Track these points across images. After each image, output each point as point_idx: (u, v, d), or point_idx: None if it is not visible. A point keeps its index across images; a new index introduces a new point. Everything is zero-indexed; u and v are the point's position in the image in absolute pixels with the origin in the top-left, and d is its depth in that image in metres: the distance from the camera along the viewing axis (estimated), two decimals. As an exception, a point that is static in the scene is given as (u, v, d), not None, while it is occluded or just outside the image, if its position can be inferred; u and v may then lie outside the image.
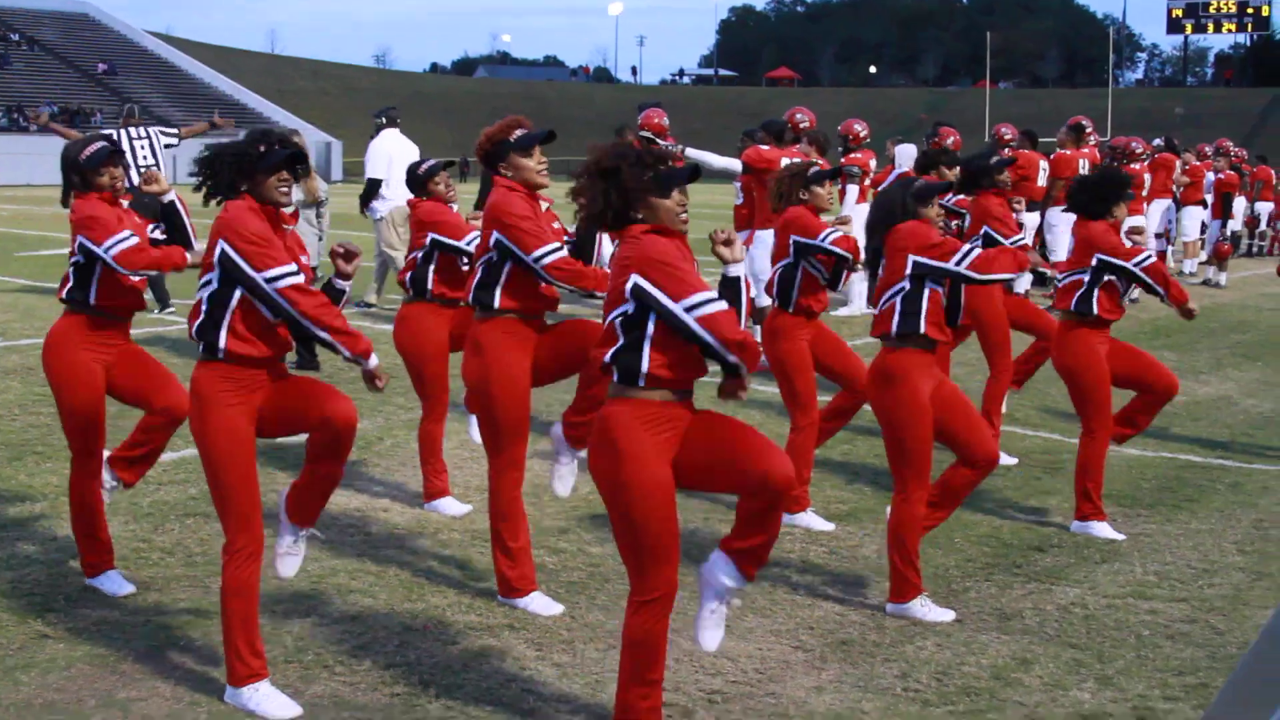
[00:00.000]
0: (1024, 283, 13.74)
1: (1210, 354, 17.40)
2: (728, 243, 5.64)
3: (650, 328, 5.45)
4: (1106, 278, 9.07)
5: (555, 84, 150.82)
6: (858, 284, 18.84)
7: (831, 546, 8.76)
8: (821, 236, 9.03)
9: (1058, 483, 10.45)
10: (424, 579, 7.92)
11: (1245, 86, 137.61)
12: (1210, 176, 27.54)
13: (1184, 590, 8.08)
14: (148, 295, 9.12)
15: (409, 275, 9.24)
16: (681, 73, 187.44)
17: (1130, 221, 14.64)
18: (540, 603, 7.45)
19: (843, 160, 17.40)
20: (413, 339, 9.27)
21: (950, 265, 7.49)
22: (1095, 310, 9.07)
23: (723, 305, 5.39)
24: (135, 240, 7.34)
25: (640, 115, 15.72)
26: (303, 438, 6.24)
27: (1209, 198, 27.48)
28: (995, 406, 11.20)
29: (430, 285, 9.17)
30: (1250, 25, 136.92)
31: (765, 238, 14.60)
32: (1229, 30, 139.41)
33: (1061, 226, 20.24)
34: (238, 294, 6.05)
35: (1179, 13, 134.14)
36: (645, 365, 5.45)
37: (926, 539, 7.87)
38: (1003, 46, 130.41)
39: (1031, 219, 19.16)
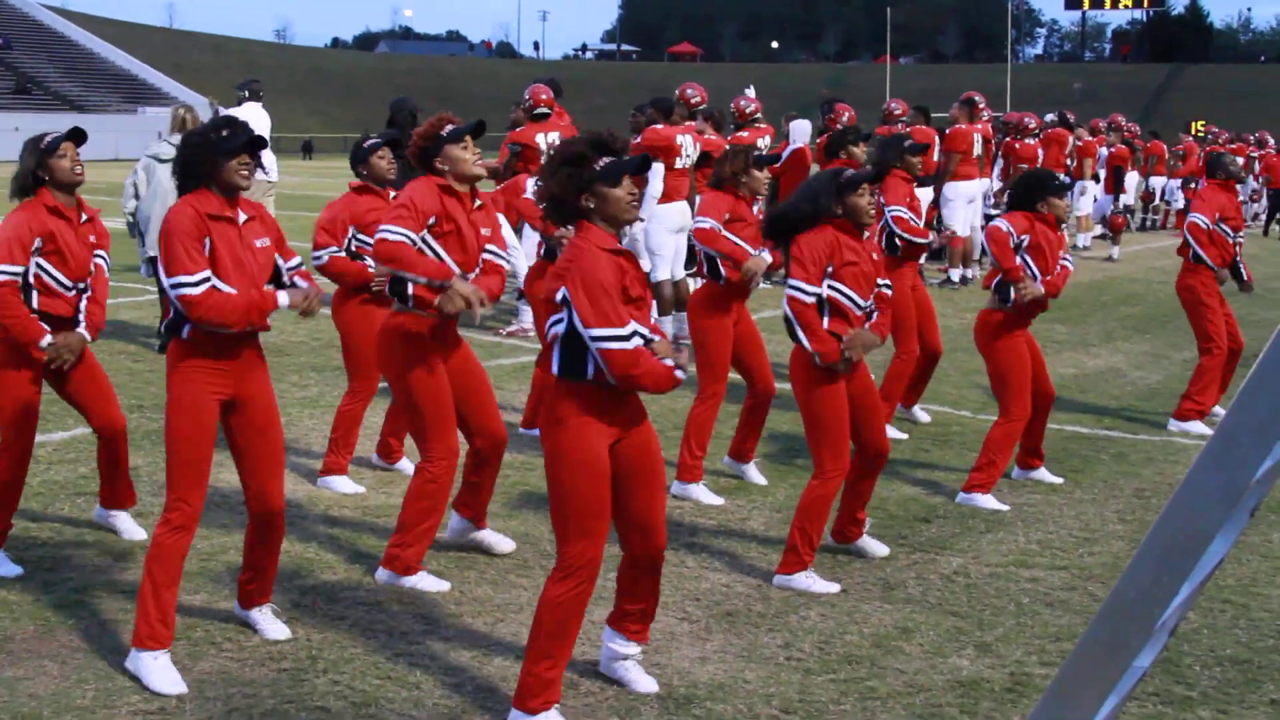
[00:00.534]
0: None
1: (1100, 326, 17.68)
2: None
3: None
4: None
5: (458, 59, 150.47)
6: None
7: (720, 520, 8.86)
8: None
9: (946, 455, 10.62)
10: (313, 555, 7.95)
11: (1141, 62, 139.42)
12: (1103, 152, 27.89)
13: (1065, 559, 8.25)
14: None
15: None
16: (584, 48, 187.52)
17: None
18: (427, 581, 7.52)
19: (730, 139, 17.43)
20: (359, 319, 9.26)
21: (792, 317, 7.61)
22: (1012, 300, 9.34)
23: (624, 345, 5.54)
24: None
25: (528, 91, 15.67)
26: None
27: (1101, 172, 27.82)
28: (898, 386, 11.35)
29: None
30: (1146, 1, 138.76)
31: (662, 213, 14.68)
32: (1126, 6, 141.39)
33: (957, 201, 20.50)
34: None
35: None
36: (590, 370, 5.65)
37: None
38: (904, 22, 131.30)
39: (925, 193, 19.35)
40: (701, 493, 9.34)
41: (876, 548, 8.27)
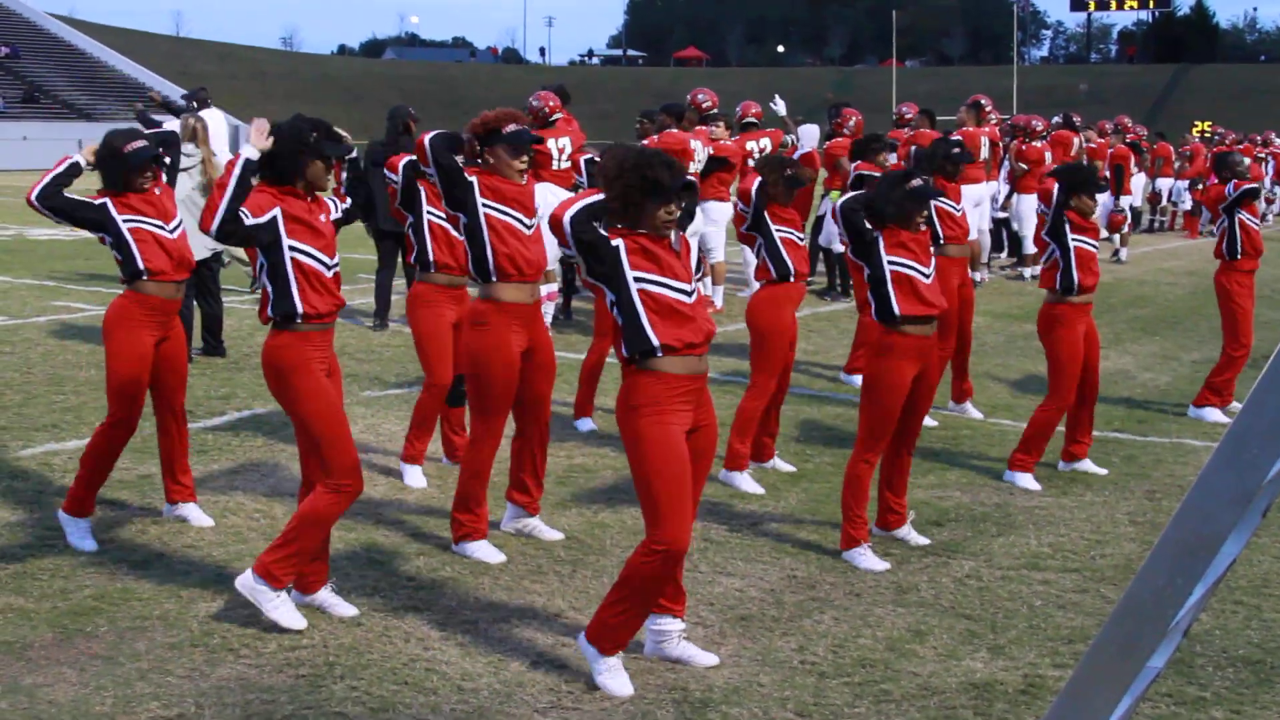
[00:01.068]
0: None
1: (1109, 328, 17.65)
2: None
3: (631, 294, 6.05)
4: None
5: (464, 65, 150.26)
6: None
7: (732, 526, 8.88)
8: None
9: (956, 458, 10.65)
10: (330, 562, 7.97)
11: (1148, 63, 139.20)
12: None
13: (1076, 561, 8.28)
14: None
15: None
16: (590, 53, 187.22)
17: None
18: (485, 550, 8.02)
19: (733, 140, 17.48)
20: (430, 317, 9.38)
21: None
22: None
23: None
24: None
25: (535, 98, 15.71)
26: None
27: (1107, 173, 27.76)
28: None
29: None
30: (1152, 2, 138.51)
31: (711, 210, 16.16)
32: (1131, 7, 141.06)
33: (964, 204, 20.45)
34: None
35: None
36: (653, 337, 6.02)
37: (827, 518, 8.09)
38: (909, 25, 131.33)
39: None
40: (745, 481, 9.72)
41: (916, 538, 8.62)
